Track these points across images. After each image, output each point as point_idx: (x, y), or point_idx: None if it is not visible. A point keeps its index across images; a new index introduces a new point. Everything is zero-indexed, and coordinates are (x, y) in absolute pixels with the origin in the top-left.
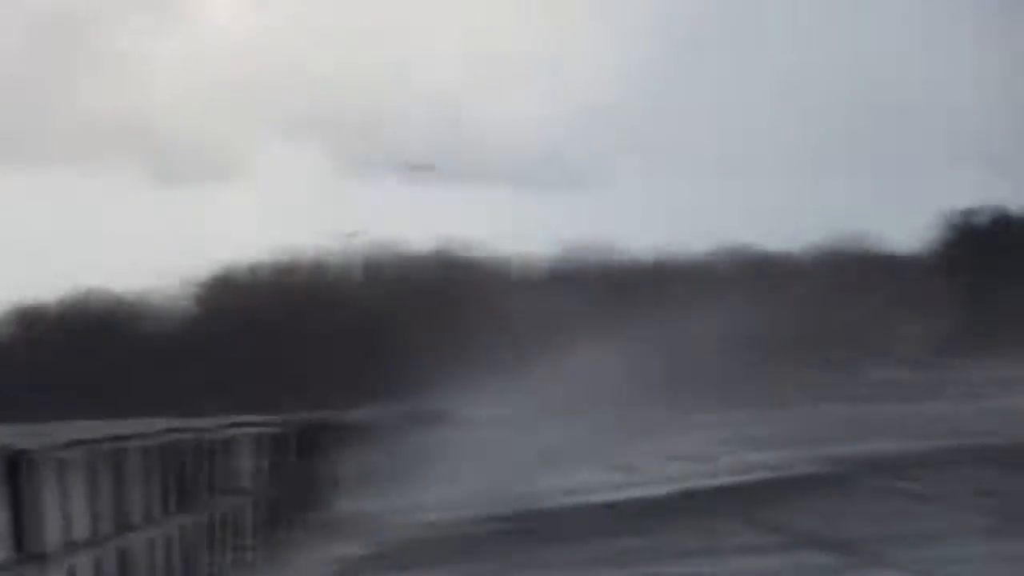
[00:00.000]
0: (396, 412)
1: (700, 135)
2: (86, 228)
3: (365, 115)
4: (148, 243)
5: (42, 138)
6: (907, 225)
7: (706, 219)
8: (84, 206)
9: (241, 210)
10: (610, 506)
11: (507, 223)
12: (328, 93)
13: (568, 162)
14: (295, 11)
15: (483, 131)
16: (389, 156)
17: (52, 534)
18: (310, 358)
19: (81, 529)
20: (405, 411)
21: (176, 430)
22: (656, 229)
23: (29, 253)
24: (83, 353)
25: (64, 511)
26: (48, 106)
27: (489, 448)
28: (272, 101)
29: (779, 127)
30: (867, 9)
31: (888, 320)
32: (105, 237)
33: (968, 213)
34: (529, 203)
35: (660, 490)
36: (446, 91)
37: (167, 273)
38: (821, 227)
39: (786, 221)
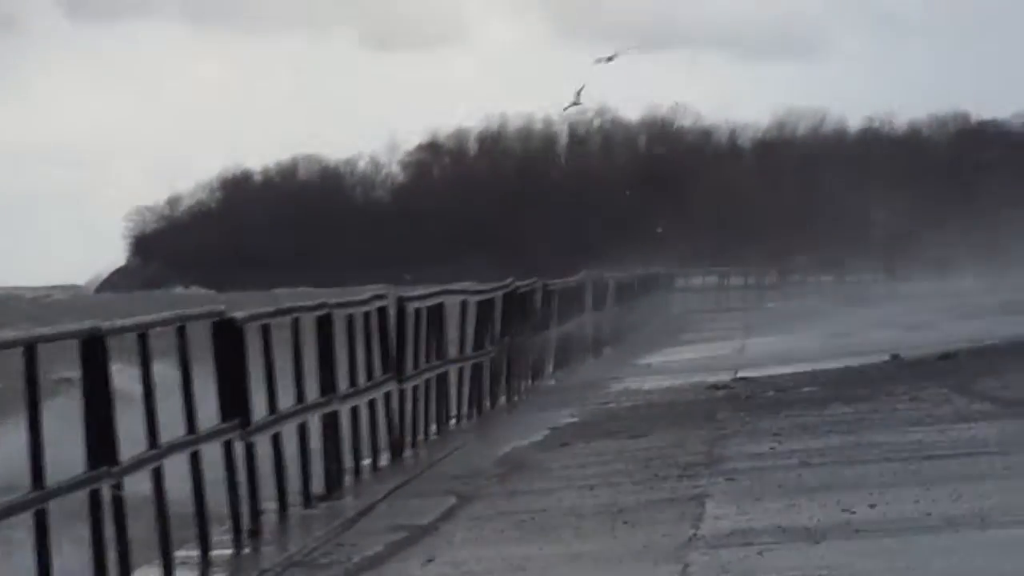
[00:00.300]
0: (619, 277)
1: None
2: (299, 94)
3: None
4: (360, 109)
5: (252, 3)
6: None
7: (920, 87)
8: (298, 72)
9: (455, 77)
10: (819, 373)
11: (722, 91)
12: None
13: (786, 30)
14: None
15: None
16: (607, 26)
17: (257, 401)
18: (521, 225)
19: (286, 397)
20: (630, 276)
21: (382, 297)
22: (870, 98)
23: (242, 119)
24: (289, 221)
25: (269, 378)
26: None
27: (706, 318)
28: None
29: None
30: None
31: None
32: (318, 103)
33: None
34: (746, 71)
35: (871, 358)
36: None
37: (378, 139)
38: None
39: (1000, 88)
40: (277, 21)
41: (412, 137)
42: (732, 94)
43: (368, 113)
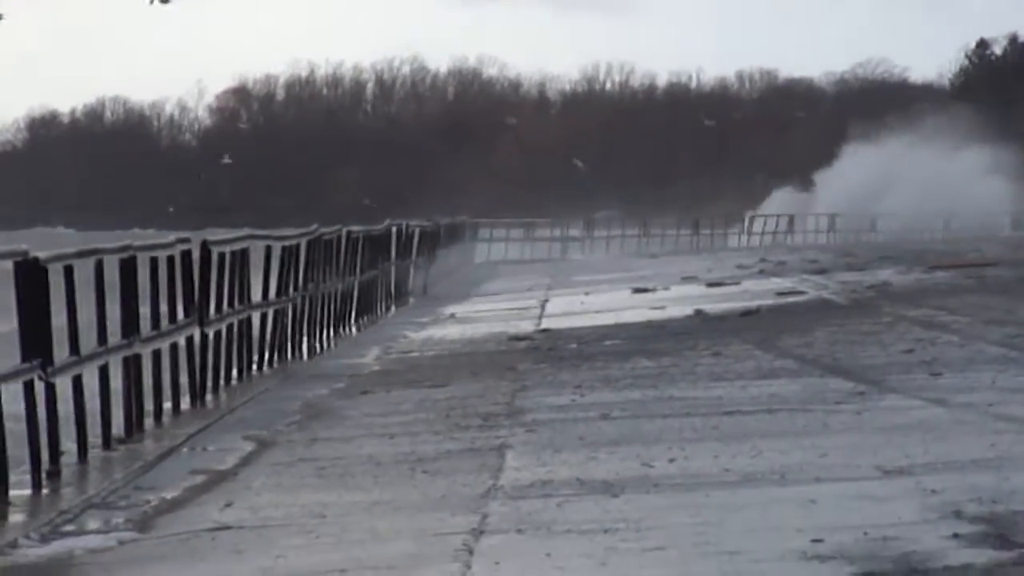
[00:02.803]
0: (424, 227)
1: None
2: (108, 36)
3: None
4: (170, 53)
5: None
6: (927, 53)
7: (729, 43)
8: (104, 15)
9: (267, 23)
10: (622, 326)
11: (534, 43)
12: None
13: None
14: None
15: None
16: None
17: (59, 342)
18: (329, 173)
19: (88, 338)
20: (435, 226)
21: (186, 240)
22: (679, 52)
23: (47, 61)
24: (95, 162)
25: (71, 320)
26: None
27: (511, 269)
28: None
29: None
30: None
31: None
32: (126, 46)
33: (984, 43)
34: (560, 24)
35: (674, 312)
36: None
37: (185, 83)
38: (842, 53)
39: (807, 47)
40: None
41: (220, 82)
42: (544, 46)
43: (178, 57)
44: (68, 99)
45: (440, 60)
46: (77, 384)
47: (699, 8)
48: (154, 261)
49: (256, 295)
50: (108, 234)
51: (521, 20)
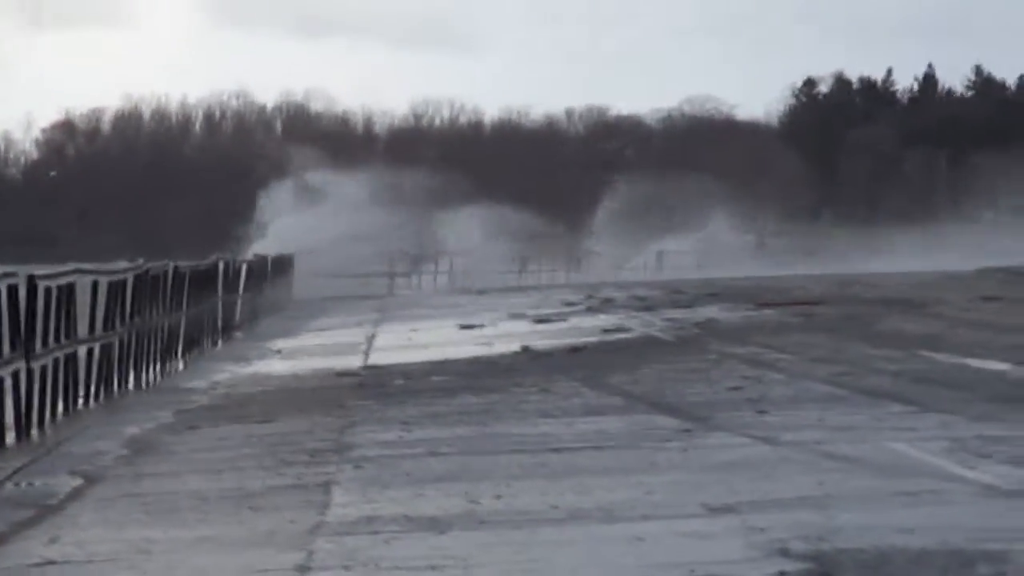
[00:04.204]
0: (252, 261)
1: None
2: None
3: None
4: (2, 86)
5: None
6: (755, 91)
7: (557, 79)
8: None
9: (87, 58)
10: (449, 362)
11: (366, 78)
12: None
13: (432, 18)
14: None
15: None
16: (262, 11)
17: None
18: (155, 206)
19: None
20: (263, 260)
21: (12, 275)
22: (511, 88)
23: None
24: None
25: None
26: None
27: (340, 304)
28: None
29: None
30: None
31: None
32: None
33: (811, 82)
34: (386, 58)
35: (501, 349)
36: None
37: (13, 117)
38: (670, 90)
39: (636, 83)
40: None
41: (48, 115)
42: (376, 83)
43: (11, 90)
44: None
45: (269, 95)
46: None
47: (531, 47)
48: None
49: (83, 329)
50: None
51: (354, 57)
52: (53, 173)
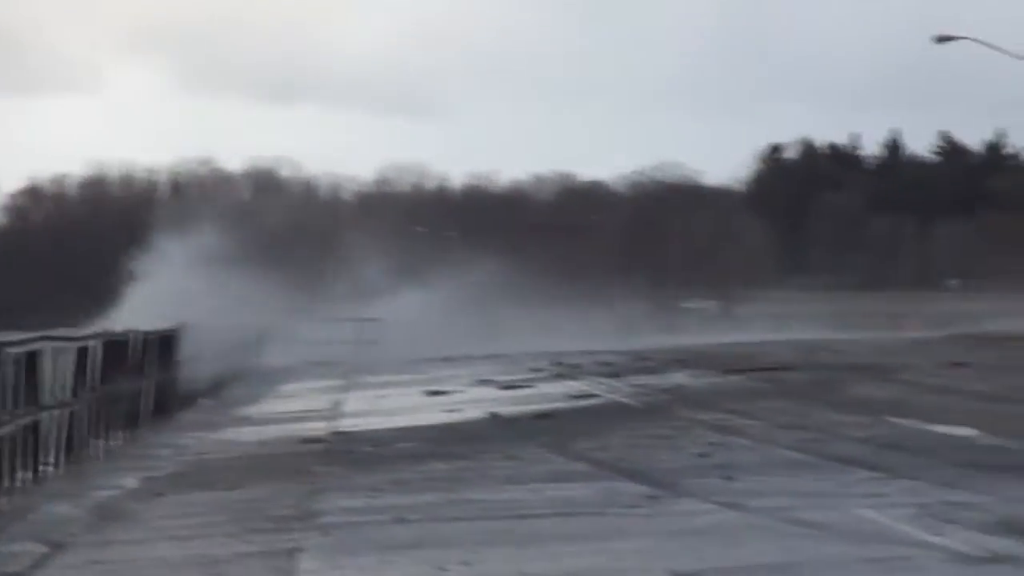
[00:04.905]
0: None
1: (527, 62)
2: None
3: (209, 31)
4: None
5: None
6: (721, 157)
7: (525, 145)
8: None
9: (53, 124)
10: (417, 428)
11: (329, 143)
12: (173, 6)
13: (403, 85)
14: None
15: (327, 52)
16: (232, 77)
17: None
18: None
19: None
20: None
21: None
22: (477, 153)
23: None
24: None
25: None
26: None
27: (307, 369)
28: (115, 15)
29: (602, 56)
30: None
31: (700, 252)
32: None
33: (777, 148)
34: (356, 124)
35: (468, 415)
36: (291, 10)
37: None
38: (637, 157)
39: (603, 149)
40: None
41: (15, 182)
42: (343, 148)
43: None
44: None
45: (236, 162)
46: None
47: (499, 113)
48: None
49: (48, 396)
50: None
51: (323, 123)
52: None
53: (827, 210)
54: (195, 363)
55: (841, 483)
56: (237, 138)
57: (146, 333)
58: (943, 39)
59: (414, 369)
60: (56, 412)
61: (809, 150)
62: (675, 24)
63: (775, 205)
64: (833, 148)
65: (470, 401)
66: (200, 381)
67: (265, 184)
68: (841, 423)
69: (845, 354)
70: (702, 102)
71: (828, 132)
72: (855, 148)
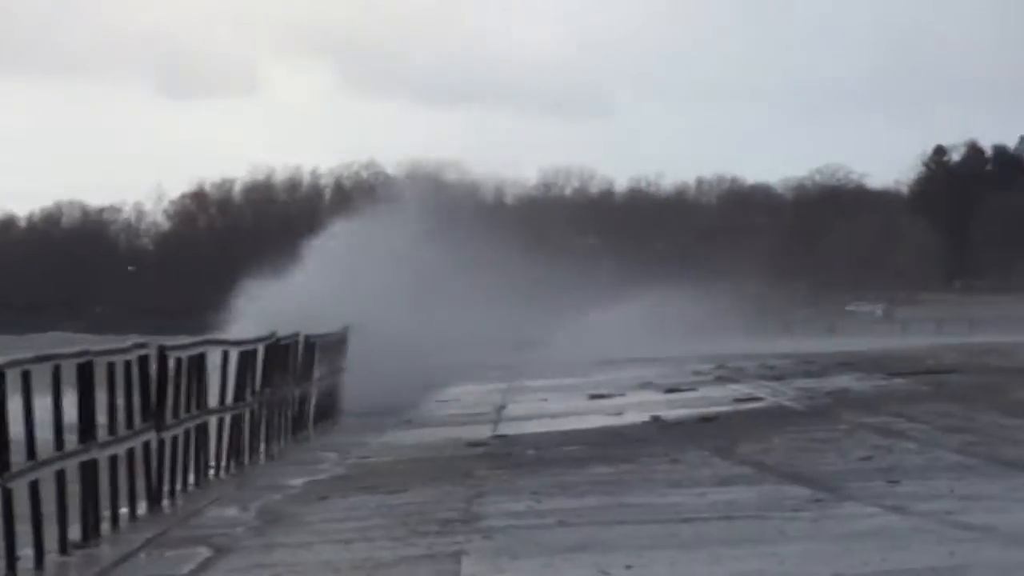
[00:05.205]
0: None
1: (689, 64)
2: (78, 140)
3: (371, 34)
4: (135, 157)
5: (43, 49)
6: (885, 159)
7: (689, 148)
8: (78, 118)
9: (238, 128)
10: (579, 432)
11: (490, 146)
12: (336, 9)
13: (566, 88)
14: None
15: (488, 55)
16: (395, 80)
17: (16, 447)
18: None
19: (45, 443)
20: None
21: (143, 346)
22: (640, 156)
23: (9, 165)
24: (51, 267)
25: (28, 425)
26: (60, 16)
27: (470, 373)
28: (279, 18)
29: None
30: None
31: (863, 255)
32: (95, 150)
33: (941, 150)
34: (518, 127)
35: (631, 418)
36: (453, 13)
37: (144, 187)
38: (800, 159)
39: (766, 152)
40: (68, 68)
41: (180, 186)
42: (504, 150)
43: (143, 161)
44: (26, 204)
45: (398, 165)
46: (34, 489)
47: (661, 115)
48: (111, 367)
49: (213, 400)
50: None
51: (485, 125)
52: (132, 268)
53: (994, 212)
54: (362, 367)
55: (1008, 487)
56: (399, 140)
57: (311, 337)
58: None
59: (576, 372)
60: (221, 416)
61: (974, 152)
62: (839, 25)
63: (939, 208)
64: (998, 149)
65: (633, 405)
66: (366, 385)
67: (428, 187)
68: (1008, 427)
69: (1013, 357)
70: (866, 104)
71: (994, 134)
72: (1022, 149)
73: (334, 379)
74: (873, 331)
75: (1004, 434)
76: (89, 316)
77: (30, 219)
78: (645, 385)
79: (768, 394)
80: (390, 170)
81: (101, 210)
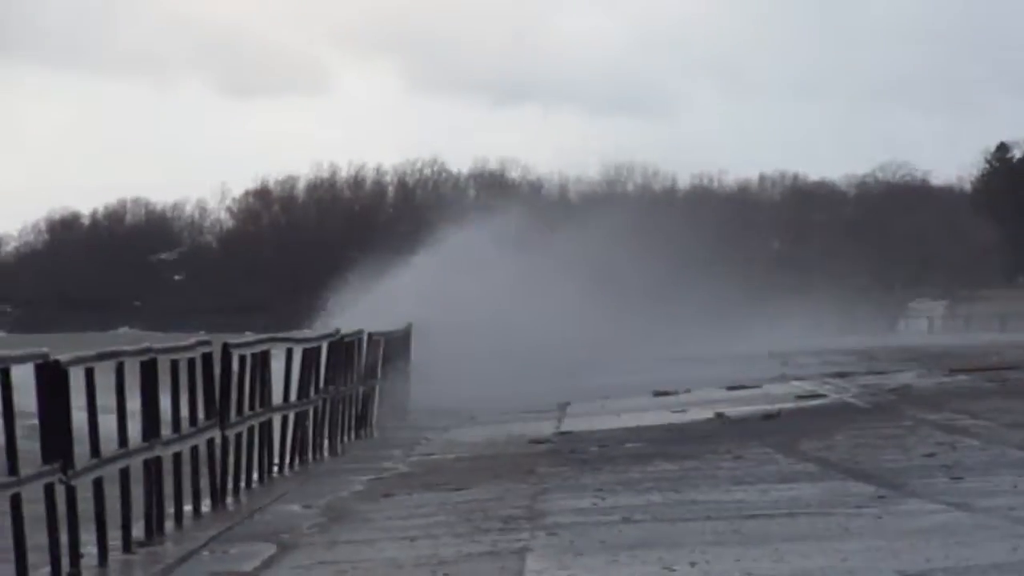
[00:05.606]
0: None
1: (750, 60)
2: (139, 138)
3: (435, 34)
4: (199, 155)
5: (106, 45)
6: (948, 156)
7: (751, 145)
8: (142, 116)
9: (282, 126)
10: (643, 429)
11: (552, 144)
12: (400, 9)
13: (627, 85)
14: None
15: (551, 54)
16: (458, 80)
17: (79, 444)
18: (349, 273)
19: (109, 440)
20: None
21: (207, 343)
22: (702, 153)
23: (73, 161)
24: (112, 265)
25: (92, 422)
26: (124, 13)
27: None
28: (342, 16)
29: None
30: None
31: (925, 251)
32: (158, 148)
33: (1004, 147)
34: (583, 127)
35: (695, 415)
36: (515, 13)
37: (208, 185)
38: (863, 155)
39: (829, 148)
40: (132, 65)
41: (243, 183)
42: (566, 148)
43: (206, 158)
44: (89, 201)
45: (462, 163)
46: (98, 486)
47: (723, 112)
48: (175, 364)
49: (277, 397)
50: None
51: (546, 124)
52: (178, 277)
53: None
54: (429, 365)
55: None
56: (463, 139)
57: (375, 334)
58: None
59: (640, 369)
60: (286, 413)
61: None
62: (903, 21)
63: (1002, 204)
64: None
65: (696, 402)
66: (432, 382)
67: (490, 185)
68: None
69: None
70: (929, 100)
71: None
72: None
73: (399, 376)
74: (936, 327)
75: None
76: (153, 314)
77: (94, 216)
78: (708, 383)
79: (831, 391)
80: (453, 168)
81: (164, 208)
